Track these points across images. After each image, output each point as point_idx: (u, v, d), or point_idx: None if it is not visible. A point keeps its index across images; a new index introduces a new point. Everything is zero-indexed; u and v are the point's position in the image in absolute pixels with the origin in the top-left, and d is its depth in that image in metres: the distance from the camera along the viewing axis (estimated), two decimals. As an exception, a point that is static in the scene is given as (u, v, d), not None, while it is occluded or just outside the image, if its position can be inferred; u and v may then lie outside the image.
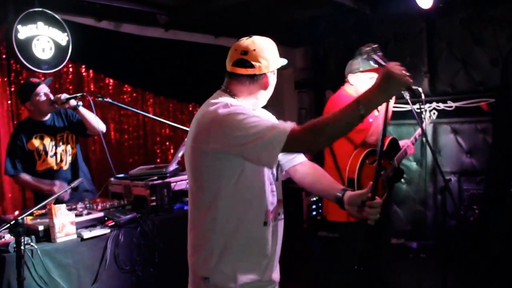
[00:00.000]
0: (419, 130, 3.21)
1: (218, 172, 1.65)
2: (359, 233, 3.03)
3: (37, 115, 3.31)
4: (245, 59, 1.73)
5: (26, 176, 3.24)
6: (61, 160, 3.34)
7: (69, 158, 3.38)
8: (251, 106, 1.79)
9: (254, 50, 1.73)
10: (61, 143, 3.34)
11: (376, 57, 1.69)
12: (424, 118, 3.49)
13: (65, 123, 3.39)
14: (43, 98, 3.22)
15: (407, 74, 1.51)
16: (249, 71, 1.73)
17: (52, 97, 3.24)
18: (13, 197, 3.97)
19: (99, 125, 3.33)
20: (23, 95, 3.30)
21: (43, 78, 3.34)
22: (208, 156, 1.64)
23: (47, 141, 3.29)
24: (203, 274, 1.70)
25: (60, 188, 3.11)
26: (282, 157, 1.92)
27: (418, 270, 4.23)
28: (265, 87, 1.78)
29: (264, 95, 1.82)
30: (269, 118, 1.68)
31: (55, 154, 3.31)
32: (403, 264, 4.21)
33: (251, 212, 1.70)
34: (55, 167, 3.32)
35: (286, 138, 1.50)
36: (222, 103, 1.66)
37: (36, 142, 3.26)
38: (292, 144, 1.52)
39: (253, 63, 1.72)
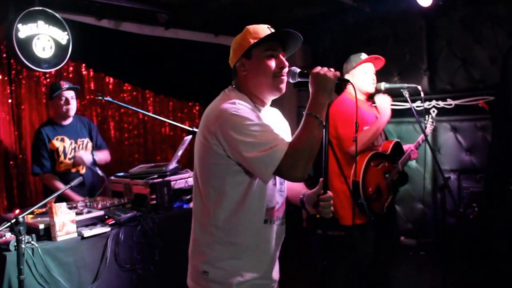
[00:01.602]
0: (422, 135, 3.21)
1: (223, 167, 1.66)
2: (364, 235, 3.05)
3: (57, 117, 3.48)
4: (233, 52, 1.80)
5: (55, 181, 3.33)
6: (79, 164, 3.47)
7: None
8: (261, 94, 1.79)
9: (236, 41, 1.79)
10: (80, 148, 3.49)
11: (298, 72, 1.81)
12: (427, 123, 3.48)
13: (87, 131, 3.57)
14: (63, 102, 3.40)
15: (330, 69, 1.66)
16: (238, 63, 1.78)
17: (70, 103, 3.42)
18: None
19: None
20: (49, 93, 3.49)
21: (65, 84, 3.48)
22: (213, 151, 1.65)
23: (67, 143, 3.43)
24: (203, 268, 1.71)
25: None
26: None
27: (418, 268, 4.25)
28: (259, 70, 1.76)
29: (264, 79, 1.76)
30: (273, 127, 1.66)
31: (74, 157, 3.43)
32: (402, 261, 4.22)
33: (252, 209, 1.70)
34: (72, 169, 3.46)
35: (280, 162, 1.53)
36: (230, 100, 1.68)
37: (56, 143, 3.40)
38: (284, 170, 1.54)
39: (238, 53, 1.76)
